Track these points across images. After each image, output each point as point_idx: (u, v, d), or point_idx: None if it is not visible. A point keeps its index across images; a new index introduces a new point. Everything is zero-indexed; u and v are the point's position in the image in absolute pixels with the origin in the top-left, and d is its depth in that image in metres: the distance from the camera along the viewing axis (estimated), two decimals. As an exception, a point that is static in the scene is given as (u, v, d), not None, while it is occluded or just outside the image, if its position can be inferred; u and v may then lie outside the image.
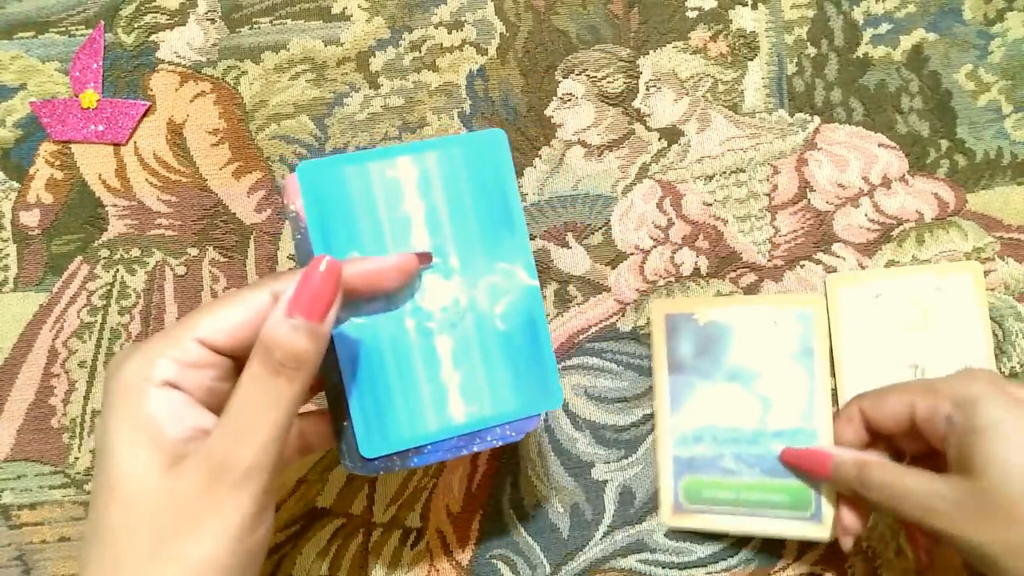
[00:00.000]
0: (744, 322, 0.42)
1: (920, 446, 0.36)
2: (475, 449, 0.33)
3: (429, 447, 0.32)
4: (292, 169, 0.44)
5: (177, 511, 0.26)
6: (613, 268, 0.44)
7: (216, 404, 0.28)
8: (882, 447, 0.37)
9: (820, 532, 0.39)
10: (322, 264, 0.27)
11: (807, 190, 0.45)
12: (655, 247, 0.44)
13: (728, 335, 0.42)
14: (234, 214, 0.44)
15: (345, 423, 0.31)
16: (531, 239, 0.44)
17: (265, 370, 0.27)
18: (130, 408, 0.27)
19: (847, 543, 0.38)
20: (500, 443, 0.33)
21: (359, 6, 0.45)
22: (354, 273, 0.29)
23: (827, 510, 0.39)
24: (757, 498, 0.40)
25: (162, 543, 0.26)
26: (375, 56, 0.45)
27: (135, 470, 0.26)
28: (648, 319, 0.44)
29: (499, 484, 0.43)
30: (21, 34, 0.45)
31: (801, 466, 0.39)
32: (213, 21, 0.45)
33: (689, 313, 0.42)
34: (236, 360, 0.29)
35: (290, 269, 0.36)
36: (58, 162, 0.44)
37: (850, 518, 0.38)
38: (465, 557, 0.43)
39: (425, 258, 0.32)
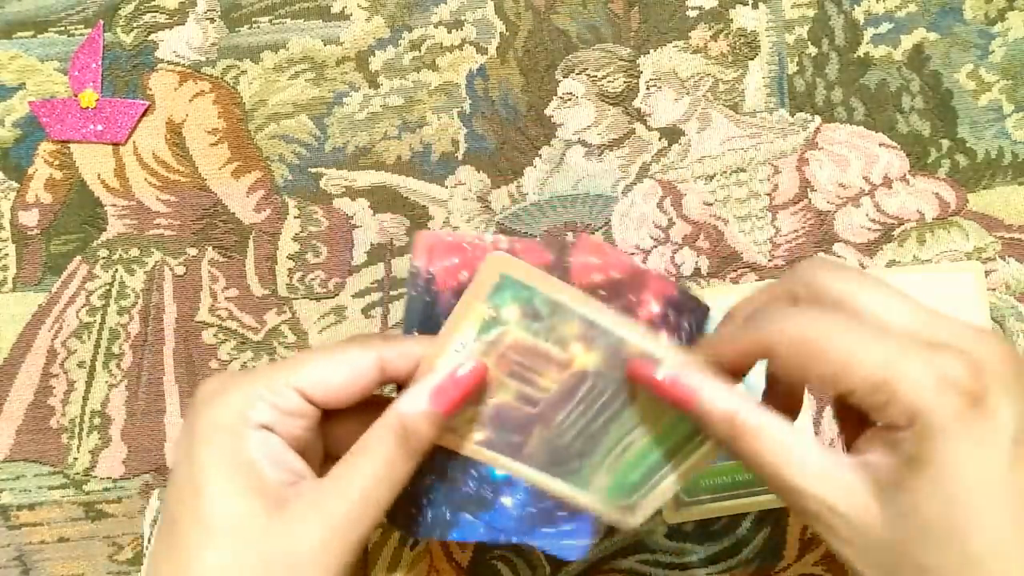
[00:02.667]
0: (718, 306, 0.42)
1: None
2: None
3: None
4: (291, 170, 0.44)
5: (289, 558, 0.26)
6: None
7: (300, 451, 0.28)
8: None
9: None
10: (472, 364, 0.28)
11: (808, 190, 0.44)
12: (656, 247, 0.44)
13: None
14: (233, 214, 0.44)
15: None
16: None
17: (400, 450, 0.27)
18: (228, 448, 0.26)
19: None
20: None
21: (359, 5, 0.45)
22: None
23: None
24: (750, 477, 0.42)
25: None
26: (375, 55, 0.45)
27: (239, 512, 0.26)
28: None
29: (499, 484, 0.43)
30: (20, 33, 0.45)
31: (654, 391, 0.28)
32: (212, 20, 0.45)
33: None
34: (324, 411, 0.29)
35: (395, 332, 0.32)
36: (57, 162, 0.44)
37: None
38: (465, 558, 0.43)
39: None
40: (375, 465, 0.27)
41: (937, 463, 0.22)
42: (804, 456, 0.25)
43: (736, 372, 0.28)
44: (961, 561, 0.22)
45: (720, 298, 0.43)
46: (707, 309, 0.32)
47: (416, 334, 0.29)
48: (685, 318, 0.31)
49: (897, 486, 0.23)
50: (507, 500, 0.31)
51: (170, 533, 0.27)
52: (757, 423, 0.25)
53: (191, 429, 0.27)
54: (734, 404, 0.26)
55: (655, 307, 0.31)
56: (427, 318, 0.30)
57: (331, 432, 0.30)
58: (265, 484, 0.26)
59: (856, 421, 0.27)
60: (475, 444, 0.30)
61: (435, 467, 0.30)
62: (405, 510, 0.31)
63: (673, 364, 0.27)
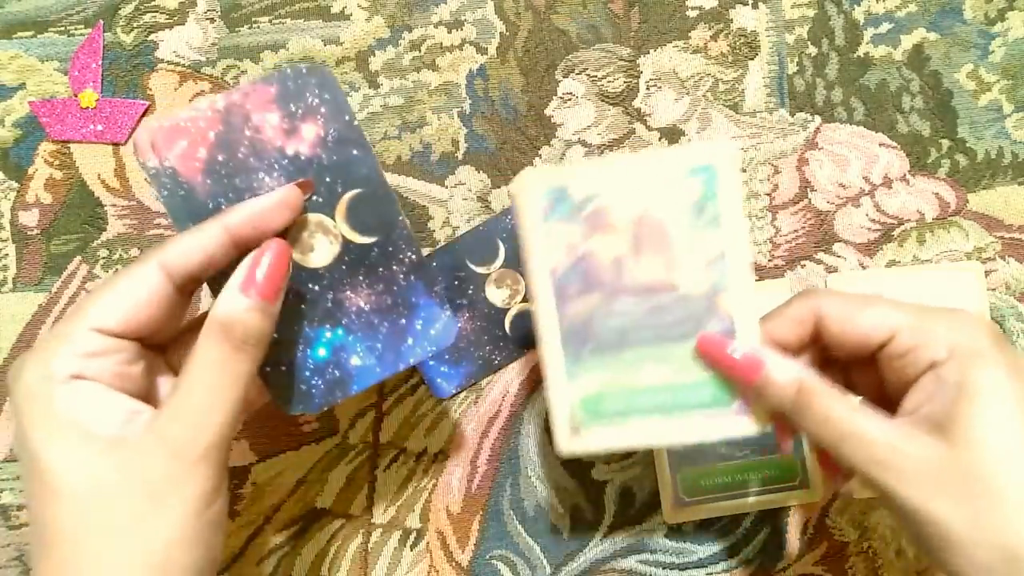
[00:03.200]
0: None
1: (866, 376, 0.31)
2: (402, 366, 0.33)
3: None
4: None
5: (133, 496, 0.25)
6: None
7: (129, 388, 0.28)
8: (809, 353, 0.32)
9: (809, 497, 0.42)
10: (272, 247, 0.29)
11: (808, 190, 0.44)
12: (655, 247, 0.44)
13: None
14: (233, 214, 0.44)
15: (278, 368, 0.32)
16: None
17: (224, 349, 0.27)
18: (42, 411, 0.26)
19: (787, 446, 0.34)
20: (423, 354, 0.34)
21: (359, 5, 0.45)
22: (242, 220, 0.29)
23: (813, 476, 0.42)
24: (749, 477, 0.42)
25: (123, 531, 0.25)
26: (375, 55, 0.45)
27: (72, 467, 0.25)
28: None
29: (499, 485, 0.43)
30: (20, 33, 0.45)
31: (720, 365, 0.31)
32: (212, 20, 0.45)
33: None
34: (139, 341, 0.29)
35: (171, 235, 0.35)
36: (57, 162, 0.44)
37: (784, 438, 0.34)
38: (465, 558, 0.43)
39: (307, 187, 0.31)
40: (208, 373, 0.27)
41: (980, 384, 0.27)
42: (865, 412, 0.28)
43: (789, 348, 0.31)
44: (1018, 466, 0.26)
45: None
46: (318, 68, 0.31)
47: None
48: (308, 93, 0.31)
49: (949, 417, 0.27)
50: (355, 360, 0.33)
51: (30, 514, 0.26)
52: (823, 388, 0.29)
53: (13, 412, 0.27)
54: (799, 372, 0.29)
55: (272, 118, 0.31)
56: (193, 211, 0.30)
57: (179, 358, 0.30)
58: (91, 432, 0.26)
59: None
60: (549, 274, 0.31)
61: (277, 379, 0.32)
62: (292, 390, 0.32)
63: (743, 341, 0.30)
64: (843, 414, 0.28)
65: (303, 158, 0.31)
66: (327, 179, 0.31)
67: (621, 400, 0.33)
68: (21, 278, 0.44)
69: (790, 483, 0.43)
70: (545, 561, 0.43)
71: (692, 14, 0.45)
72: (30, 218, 0.44)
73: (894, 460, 0.27)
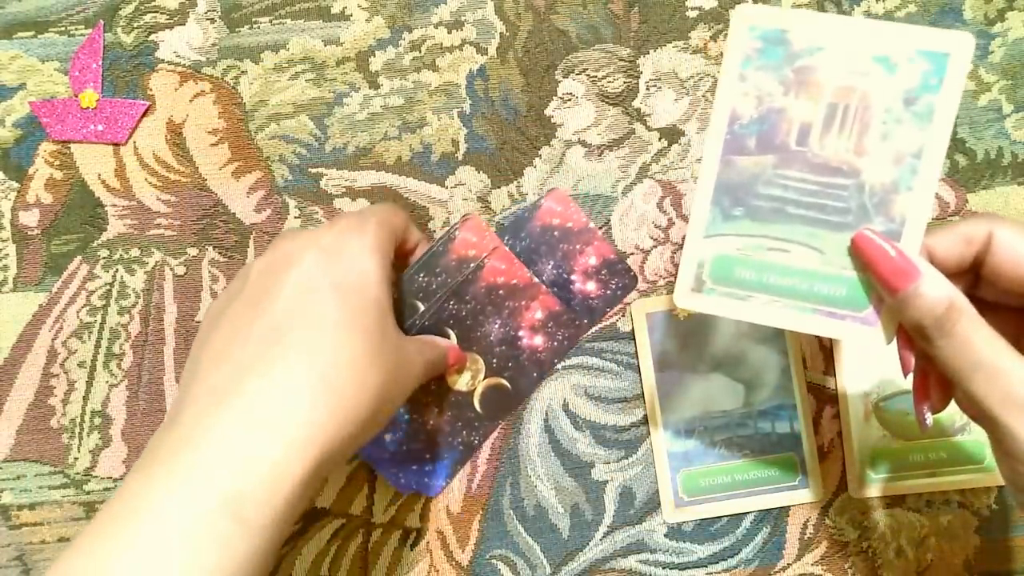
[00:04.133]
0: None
1: (1009, 326, 0.29)
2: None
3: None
4: (291, 170, 0.44)
5: (397, 364, 0.32)
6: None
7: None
8: (964, 282, 0.30)
9: (809, 497, 0.43)
10: (463, 355, 0.42)
11: (808, 190, 0.44)
12: (655, 247, 0.44)
13: (706, 328, 0.43)
14: (233, 214, 0.44)
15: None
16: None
17: (444, 358, 0.40)
18: (368, 293, 0.32)
19: (908, 365, 0.31)
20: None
21: (359, 6, 0.45)
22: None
23: (813, 476, 0.43)
24: (749, 477, 0.42)
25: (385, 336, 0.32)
26: (375, 56, 0.45)
27: (373, 295, 0.32)
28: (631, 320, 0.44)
29: (499, 484, 0.43)
30: (20, 34, 0.45)
31: (874, 264, 0.29)
32: (213, 21, 0.45)
33: (669, 309, 0.43)
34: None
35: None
36: (57, 162, 0.44)
37: (907, 358, 0.31)
38: (465, 558, 0.43)
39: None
40: (439, 353, 0.39)
41: None
42: (1009, 348, 0.27)
43: (947, 268, 0.29)
44: None
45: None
46: (635, 279, 0.43)
47: None
48: (615, 280, 0.43)
49: None
50: (387, 436, 0.41)
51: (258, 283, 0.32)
52: (972, 311, 0.27)
53: (352, 225, 0.34)
54: (952, 289, 0.28)
55: (593, 259, 0.43)
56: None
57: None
58: (379, 299, 0.32)
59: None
60: (728, 118, 0.31)
61: None
62: None
63: (905, 246, 0.29)
64: (987, 342, 0.27)
65: (573, 288, 0.43)
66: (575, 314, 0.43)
67: (754, 271, 0.31)
68: (21, 278, 0.44)
69: (789, 483, 0.43)
70: (545, 561, 0.43)
71: (692, 14, 0.45)
72: (30, 218, 0.44)
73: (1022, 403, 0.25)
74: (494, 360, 0.42)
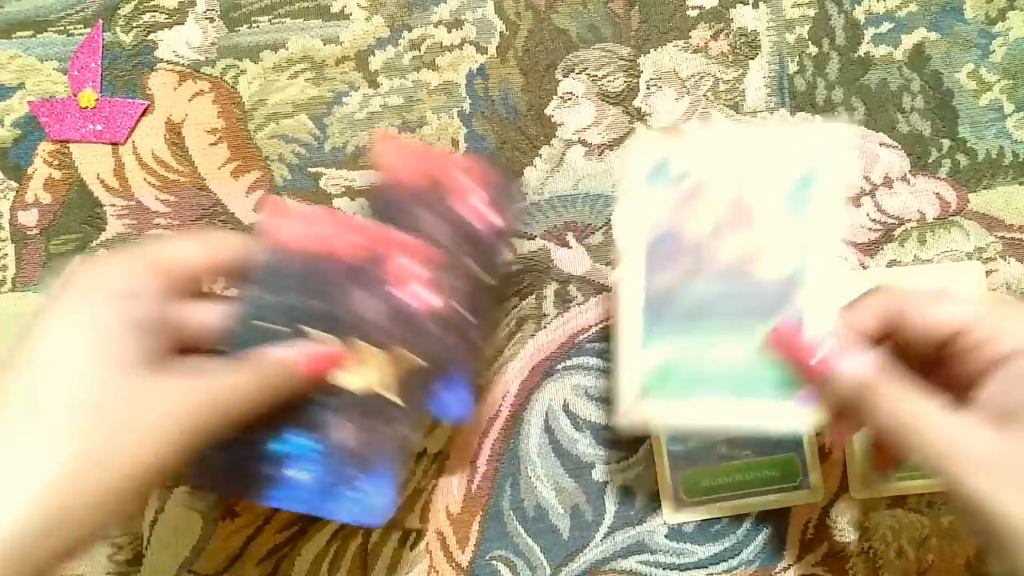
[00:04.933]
0: None
1: (934, 378, 0.30)
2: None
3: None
4: (290, 170, 0.44)
5: (142, 413, 0.26)
6: (614, 268, 0.44)
7: (156, 333, 0.28)
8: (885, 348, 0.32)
9: (810, 497, 0.42)
10: (337, 351, 0.32)
11: (808, 190, 0.44)
12: (656, 247, 0.44)
13: None
14: (232, 213, 0.44)
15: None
16: (531, 239, 0.44)
17: (270, 379, 0.30)
18: (89, 312, 0.27)
19: (839, 443, 0.34)
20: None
21: (358, 5, 0.45)
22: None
23: (814, 477, 0.42)
24: (750, 477, 0.42)
25: (112, 436, 0.25)
26: (374, 55, 0.45)
27: (94, 365, 0.26)
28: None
29: (499, 485, 0.43)
30: (19, 33, 0.45)
31: (788, 356, 0.31)
32: (212, 20, 0.45)
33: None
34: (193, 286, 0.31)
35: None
36: (56, 161, 0.44)
37: (836, 435, 0.34)
38: (465, 559, 0.43)
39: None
40: (249, 377, 0.29)
41: None
42: (932, 404, 0.28)
43: (865, 340, 0.31)
44: None
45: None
46: (517, 183, 0.34)
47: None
48: (492, 191, 0.35)
49: (1018, 408, 0.27)
50: (302, 475, 0.32)
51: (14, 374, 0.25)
52: (891, 378, 0.28)
53: (58, 293, 0.28)
54: (869, 362, 0.29)
55: (421, 271, 0.34)
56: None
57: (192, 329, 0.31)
58: (114, 351, 0.26)
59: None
60: (641, 238, 0.33)
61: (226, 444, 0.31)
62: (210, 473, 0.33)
63: (817, 330, 0.30)
64: (911, 405, 0.28)
65: (469, 225, 0.35)
66: (478, 251, 0.35)
67: (689, 374, 0.32)
68: (20, 278, 0.44)
69: (790, 484, 0.42)
70: (545, 561, 0.43)
71: (692, 13, 0.45)
72: (29, 218, 0.44)
73: (960, 452, 0.27)
74: (387, 339, 0.33)
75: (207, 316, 0.31)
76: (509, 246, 0.35)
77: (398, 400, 0.33)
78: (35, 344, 0.26)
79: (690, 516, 0.43)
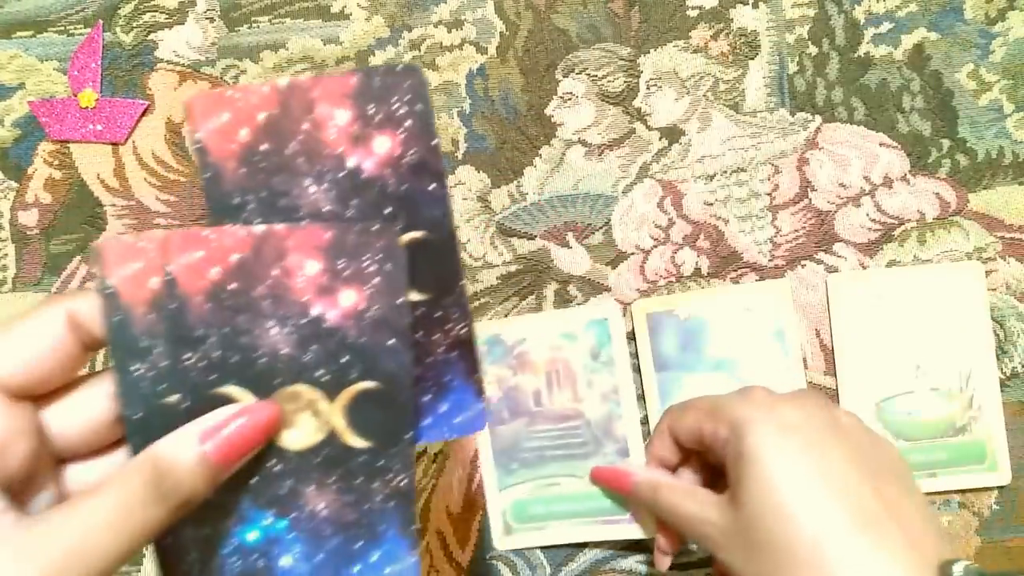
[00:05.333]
0: (721, 312, 0.43)
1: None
2: None
3: None
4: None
5: None
6: (613, 268, 0.44)
7: (6, 472, 0.22)
8: (695, 462, 0.38)
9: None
10: (258, 413, 0.24)
11: (808, 190, 0.44)
12: (656, 247, 0.44)
13: (707, 327, 0.43)
14: (233, 214, 0.44)
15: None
16: (531, 239, 0.44)
17: (142, 494, 0.22)
18: None
19: (663, 563, 0.39)
20: None
21: (358, 5, 0.45)
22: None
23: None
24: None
25: None
26: (374, 55, 0.45)
27: None
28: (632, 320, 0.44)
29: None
30: (20, 33, 0.45)
31: (607, 484, 0.41)
32: (212, 20, 0.45)
33: (669, 309, 0.43)
34: (35, 400, 0.24)
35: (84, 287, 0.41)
36: (56, 162, 0.44)
37: (663, 542, 0.39)
38: (465, 558, 0.43)
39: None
40: (106, 507, 0.22)
41: (750, 450, 0.31)
42: (697, 497, 0.35)
43: (670, 462, 0.38)
44: (790, 521, 0.30)
45: (720, 297, 0.43)
46: (387, 230, 0.25)
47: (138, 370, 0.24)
48: (366, 256, 0.25)
49: (735, 484, 0.32)
50: (286, 560, 0.26)
51: None
52: (670, 485, 0.36)
53: None
54: (655, 478, 0.38)
55: (312, 267, 0.25)
56: (214, 199, 0.25)
57: (73, 476, 0.25)
58: None
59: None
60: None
61: (196, 543, 0.26)
62: (202, 565, 0.26)
63: (632, 458, 0.41)
64: (680, 502, 0.35)
65: (363, 176, 0.25)
66: (388, 210, 0.25)
67: (542, 507, 0.42)
68: (20, 278, 0.44)
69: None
70: (545, 561, 0.43)
71: (692, 14, 0.45)
72: (29, 218, 0.44)
73: (708, 531, 0.33)
74: (320, 372, 0.25)
75: (79, 414, 0.25)
76: (437, 175, 0.25)
77: (361, 442, 0.26)
78: None
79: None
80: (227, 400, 0.25)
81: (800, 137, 0.45)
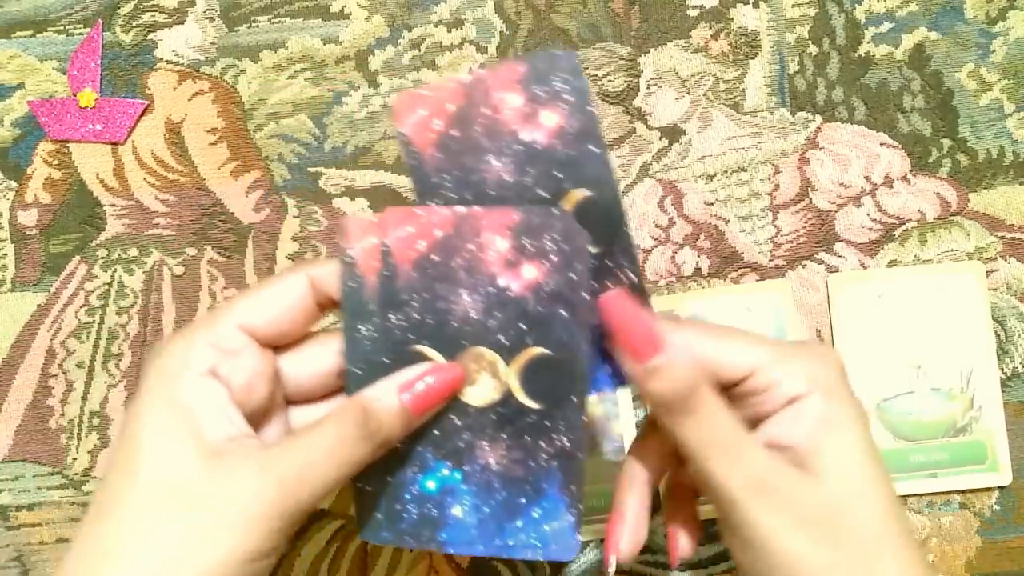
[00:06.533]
0: (721, 312, 0.43)
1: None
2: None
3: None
4: (290, 169, 0.44)
5: (215, 509, 0.24)
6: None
7: (250, 405, 0.27)
8: None
9: None
10: (447, 372, 0.28)
11: (809, 189, 0.44)
12: (656, 247, 0.44)
13: None
14: (232, 213, 0.44)
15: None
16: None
17: (353, 431, 0.27)
18: (167, 394, 0.26)
19: (690, 551, 0.33)
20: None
21: (358, 4, 0.45)
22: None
23: None
24: None
25: (190, 534, 0.24)
26: (374, 55, 0.45)
27: (171, 456, 0.25)
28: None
29: (499, 485, 0.43)
30: (19, 33, 0.45)
31: (621, 330, 0.28)
32: (211, 20, 0.45)
33: (670, 309, 0.43)
34: (275, 350, 0.28)
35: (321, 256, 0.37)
36: (56, 161, 0.44)
37: (685, 541, 0.33)
38: (465, 559, 0.43)
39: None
40: (327, 439, 0.26)
41: (839, 418, 0.27)
42: (748, 434, 0.27)
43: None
44: (880, 511, 0.26)
45: (721, 297, 0.43)
46: (567, 216, 0.28)
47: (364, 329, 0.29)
48: (547, 236, 0.28)
49: (812, 451, 0.26)
50: (456, 510, 0.30)
51: (102, 487, 0.26)
52: (716, 394, 0.27)
53: (141, 383, 0.27)
54: (700, 369, 0.27)
55: (502, 243, 0.29)
56: (420, 181, 0.29)
57: (295, 416, 0.30)
58: (201, 432, 0.25)
59: (684, 496, 0.32)
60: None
61: (383, 487, 0.30)
62: (382, 510, 0.30)
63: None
64: (730, 424, 0.27)
65: (537, 147, 0.29)
66: (556, 173, 0.29)
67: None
68: (20, 278, 0.44)
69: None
70: (545, 562, 0.43)
71: (693, 13, 0.45)
72: (29, 218, 0.44)
73: (765, 488, 0.26)
74: (501, 337, 0.28)
75: (309, 365, 0.29)
76: (596, 139, 0.28)
77: (533, 403, 0.29)
78: (126, 441, 0.26)
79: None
80: (422, 357, 0.29)
81: (800, 137, 0.45)
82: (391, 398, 0.27)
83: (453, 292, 0.28)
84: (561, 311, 0.28)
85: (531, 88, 0.29)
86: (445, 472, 0.29)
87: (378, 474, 0.29)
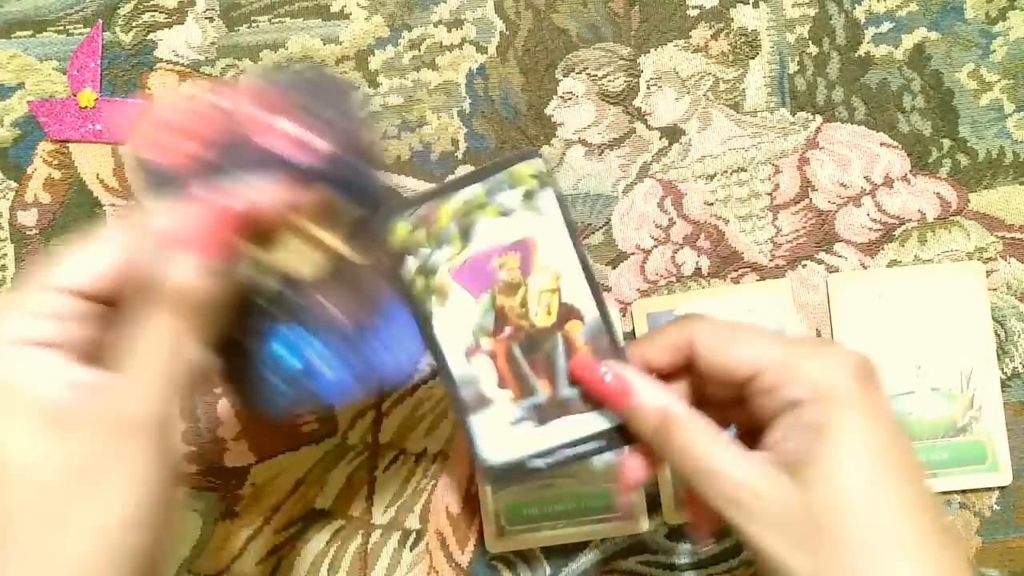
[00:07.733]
0: (721, 312, 0.42)
1: (738, 415, 0.30)
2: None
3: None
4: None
5: (72, 477, 0.23)
6: (614, 268, 0.44)
7: (89, 356, 0.26)
8: (685, 384, 0.31)
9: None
10: (216, 203, 0.27)
11: (809, 189, 0.44)
12: (656, 247, 0.44)
13: None
14: (233, 214, 0.44)
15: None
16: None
17: (177, 321, 0.25)
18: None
19: (627, 496, 0.33)
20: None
21: (358, 4, 0.45)
22: (235, 199, 0.27)
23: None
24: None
25: (59, 514, 0.23)
26: (374, 55, 0.45)
27: (9, 443, 0.24)
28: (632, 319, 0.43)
29: (499, 485, 0.43)
30: (19, 33, 0.45)
31: (592, 388, 0.30)
32: (211, 20, 0.45)
33: (669, 309, 0.43)
34: (115, 304, 0.27)
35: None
36: (56, 161, 0.44)
37: (636, 467, 0.31)
38: (465, 558, 0.43)
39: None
40: (142, 343, 0.25)
41: (835, 427, 0.26)
42: (727, 446, 0.27)
43: (664, 373, 0.30)
44: (873, 519, 0.25)
45: (721, 297, 0.43)
46: (343, 84, 0.31)
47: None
48: (323, 103, 0.30)
49: (804, 458, 0.26)
50: (318, 364, 0.31)
51: None
52: (686, 415, 0.28)
53: None
54: (666, 399, 0.29)
55: (285, 123, 0.30)
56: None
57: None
58: (35, 405, 0.24)
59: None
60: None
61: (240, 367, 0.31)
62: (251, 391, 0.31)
63: (614, 363, 0.30)
64: (703, 447, 0.27)
65: (308, 167, 0.30)
66: (331, 191, 0.30)
67: (536, 508, 0.42)
68: (20, 278, 0.44)
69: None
70: (545, 562, 0.43)
71: (693, 13, 0.45)
72: (29, 218, 0.44)
73: (748, 500, 0.26)
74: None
75: (86, 272, 0.27)
76: (365, 167, 0.31)
77: (353, 256, 0.31)
78: None
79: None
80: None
81: (800, 137, 0.45)
82: (185, 263, 0.26)
83: (257, 169, 0.29)
84: (359, 166, 0.31)
85: (300, 112, 0.30)
86: (284, 328, 0.31)
87: (234, 356, 0.30)
